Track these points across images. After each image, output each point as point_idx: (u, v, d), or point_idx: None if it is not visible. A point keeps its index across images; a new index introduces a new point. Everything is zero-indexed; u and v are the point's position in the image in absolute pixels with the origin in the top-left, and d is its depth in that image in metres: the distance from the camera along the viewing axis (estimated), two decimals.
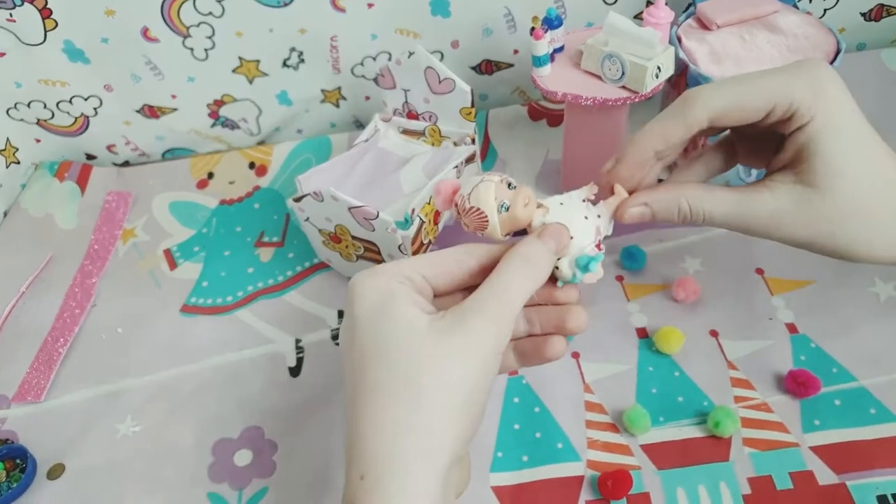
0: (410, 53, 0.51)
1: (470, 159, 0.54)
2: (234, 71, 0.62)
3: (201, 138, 0.68)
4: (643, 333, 0.47)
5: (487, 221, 0.33)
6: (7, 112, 0.64)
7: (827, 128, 0.31)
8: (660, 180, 0.37)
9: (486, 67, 0.64)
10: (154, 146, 0.69)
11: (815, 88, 0.31)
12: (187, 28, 0.58)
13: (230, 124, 0.67)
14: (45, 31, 0.57)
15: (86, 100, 0.63)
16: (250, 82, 0.63)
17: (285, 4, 0.57)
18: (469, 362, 0.29)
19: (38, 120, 0.65)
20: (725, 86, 0.32)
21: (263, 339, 0.52)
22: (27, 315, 0.56)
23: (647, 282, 0.49)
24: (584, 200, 0.37)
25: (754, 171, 0.51)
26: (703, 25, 0.51)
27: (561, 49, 0.50)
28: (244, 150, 0.67)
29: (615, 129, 0.49)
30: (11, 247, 0.62)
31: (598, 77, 0.48)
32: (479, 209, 0.33)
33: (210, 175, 0.65)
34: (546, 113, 0.63)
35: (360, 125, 0.68)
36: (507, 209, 0.33)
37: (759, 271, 0.49)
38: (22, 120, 0.65)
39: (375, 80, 0.54)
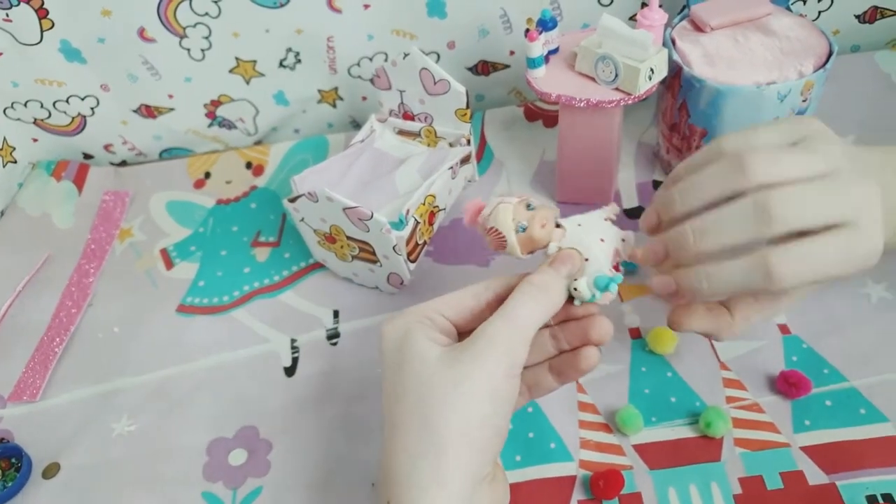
0: (406, 55, 0.51)
1: (465, 160, 0.54)
2: (230, 71, 0.62)
3: (198, 138, 0.68)
4: (636, 334, 0.47)
5: (506, 242, 0.35)
6: (4, 112, 0.64)
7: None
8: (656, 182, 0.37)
9: (483, 68, 0.64)
10: (151, 146, 0.69)
11: (862, 206, 0.32)
12: (184, 28, 0.58)
13: (227, 124, 0.67)
14: (42, 31, 0.58)
15: (83, 99, 0.63)
16: (247, 82, 0.63)
17: (281, 5, 0.57)
18: (478, 387, 0.30)
19: (35, 119, 0.65)
20: (803, 262, 0.32)
21: (259, 338, 0.52)
22: (24, 314, 0.56)
23: (641, 282, 0.50)
24: (605, 220, 0.37)
25: None
26: (697, 27, 0.51)
27: (556, 51, 0.51)
28: (241, 149, 0.67)
29: (609, 130, 0.50)
30: (8, 246, 0.62)
31: (592, 79, 0.48)
32: (497, 230, 0.35)
33: (207, 175, 0.66)
34: (542, 114, 0.64)
35: (357, 125, 0.69)
36: (525, 230, 0.34)
37: None
38: (19, 119, 0.65)
39: (372, 80, 0.55)
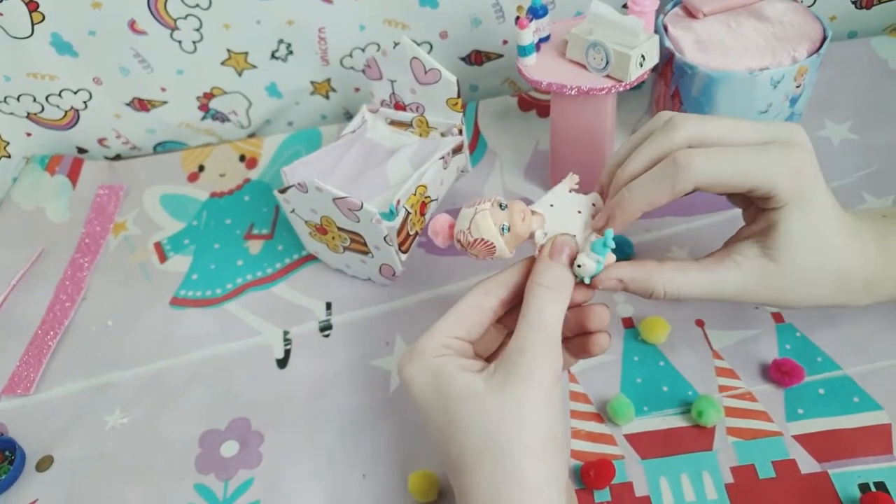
0: (396, 44, 0.50)
1: (457, 150, 0.54)
2: (222, 63, 0.62)
3: (192, 131, 0.68)
4: (629, 323, 0.47)
5: (495, 248, 0.34)
6: None
7: (797, 212, 0.34)
8: None
9: (476, 58, 0.64)
10: (145, 139, 0.69)
11: (796, 176, 0.34)
12: (175, 20, 0.58)
13: (220, 117, 0.67)
14: (33, 25, 0.57)
15: (75, 93, 0.63)
16: (239, 75, 0.63)
17: None
18: (536, 403, 0.31)
19: (28, 114, 0.65)
20: (716, 157, 0.33)
21: (251, 331, 0.52)
22: (18, 308, 0.56)
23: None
24: (570, 191, 0.38)
25: None
26: (690, 14, 0.50)
27: (547, 38, 0.50)
28: (235, 142, 0.67)
29: (601, 117, 0.49)
30: (2, 240, 0.62)
31: (584, 66, 0.48)
32: (483, 240, 0.34)
33: (201, 168, 0.65)
34: (536, 103, 0.63)
35: (350, 117, 0.68)
36: (509, 229, 0.34)
37: None
38: (12, 114, 0.65)
39: (363, 71, 0.54)
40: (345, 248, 0.50)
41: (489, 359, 0.37)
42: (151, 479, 0.44)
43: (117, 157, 0.70)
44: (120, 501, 0.44)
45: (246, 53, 0.62)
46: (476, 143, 0.62)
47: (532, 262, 0.36)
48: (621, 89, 0.46)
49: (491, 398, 0.31)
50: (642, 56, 0.45)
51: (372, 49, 0.62)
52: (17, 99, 0.63)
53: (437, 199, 0.53)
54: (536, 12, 0.48)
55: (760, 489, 0.38)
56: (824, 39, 0.47)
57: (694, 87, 0.48)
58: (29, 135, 0.67)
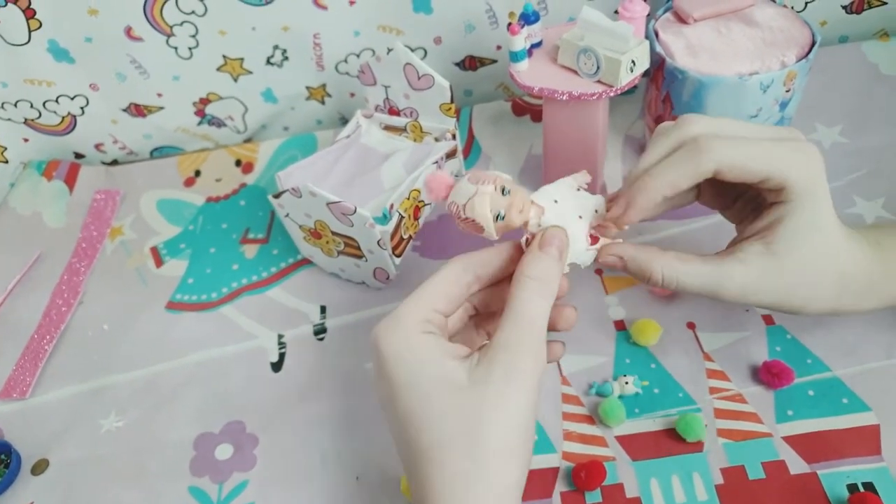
0: (389, 50, 0.51)
1: (451, 154, 0.54)
2: (218, 69, 0.63)
3: (188, 136, 0.68)
4: (621, 326, 0.47)
5: (483, 230, 0.34)
6: None
7: (804, 207, 0.34)
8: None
9: (470, 63, 0.64)
10: (142, 144, 0.69)
11: (810, 173, 0.34)
12: (171, 27, 0.58)
13: (216, 122, 0.67)
14: (30, 31, 0.58)
15: (72, 99, 0.64)
16: (235, 80, 0.64)
17: (267, 2, 0.58)
18: (519, 399, 0.31)
19: (26, 119, 0.65)
20: (736, 143, 0.34)
21: (246, 334, 0.52)
22: (14, 313, 0.57)
23: (625, 274, 0.49)
24: (578, 189, 0.38)
25: None
26: (680, 19, 0.51)
27: (539, 44, 0.51)
28: (231, 147, 0.67)
29: (593, 122, 0.50)
30: (0, 245, 0.62)
31: (575, 72, 0.48)
32: (474, 220, 0.34)
33: (197, 173, 0.66)
34: (529, 108, 0.64)
35: (345, 121, 0.69)
36: (503, 218, 0.34)
37: None
38: (9, 119, 0.65)
39: (358, 76, 0.55)
40: (339, 253, 0.51)
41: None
42: (146, 481, 0.45)
43: (114, 163, 0.70)
44: None
45: (241, 59, 0.62)
46: (470, 147, 0.62)
47: (516, 247, 0.35)
48: (612, 94, 0.47)
49: (473, 391, 0.30)
50: (632, 61, 0.46)
51: (367, 55, 0.62)
52: (15, 105, 0.64)
53: (430, 204, 0.53)
54: (528, 18, 0.48)
55: (750, 490, 0.38)
56: (813, 44, 0.47)
57: (685, 91, 0.48)
58: (26, 140, 0.67)
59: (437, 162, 0.52)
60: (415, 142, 0.55)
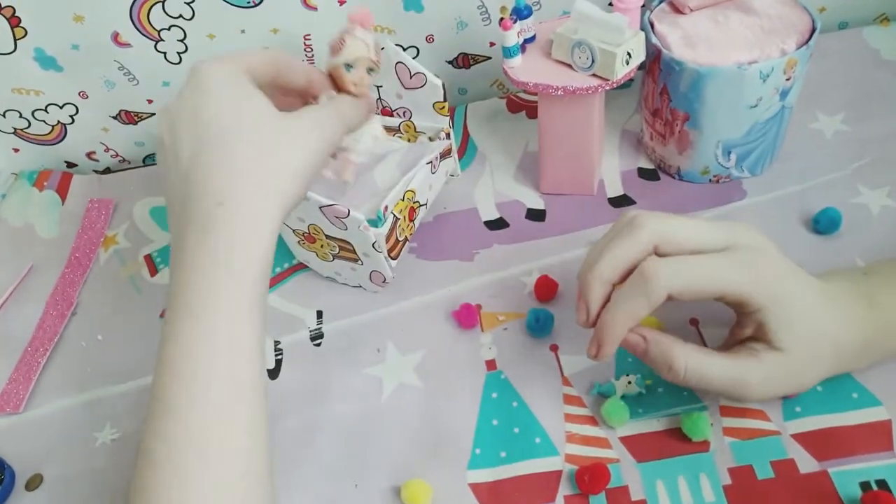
0: (381, 48, 0.50)
1: (446, 154, 0.53)
2: None
3: None
4: None
5: (341, 49, 0.40)
6: None
7: (775, 310, 0.35)
8: None
9: (463, 61, 0.63)
10: (134, 152, 0.68)
11: (762, 284, 0.35)
12: (158, 32, 0.58)
13: None
14: (15, 40, 0.57)
15: (61, 107, 0.63)
16: None
17: (256, 4, 0.57)
18: (310, 137, 0.36)
19: (15, 129, 0.65)
20: (682, 269, 0.35)
21: None
22: (7, 326, 0.56)
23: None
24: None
25: (733, 156, 0.51)
26: (676, 9, 0.50)
27: (532, 39, 0.50)
28: None
29: (589, 117, 0.49)
30: None
31: (570, 66, 0.47)
32: (343, 43, 0.39)
33: None
34: (525, 105, 0.63)
35: None
36: (349, 70, 0.40)
37: None
38: None
39: None
40: (334, 257, 0.50)
41: None
42: None
43: (107, 171, 0.69)
44: None
45: None
46: (466, 146, 0.61)
47: (321, 73, 0.41)
48: (608, 88, 0.46)
49: (281, 119, 0.36)
50: (628, 53, 0.45)
51: None
52: (3, 115, 0.63)
53: (426, 204, 0.52)
54: (521, 13, 0.47)
55: (759, 490, 0.37)
56: (813, 31, 0.46)
57: (682, 83, 0.47)
58: (16, 150, 0.66)
59: (431, 162, 0.51)
60: (409, 142, 0.54)
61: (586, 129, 0.49)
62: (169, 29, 0.58)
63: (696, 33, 0.48)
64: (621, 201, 0.53)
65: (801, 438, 0.39)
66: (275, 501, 0.34)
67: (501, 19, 0.46)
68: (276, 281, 0.54)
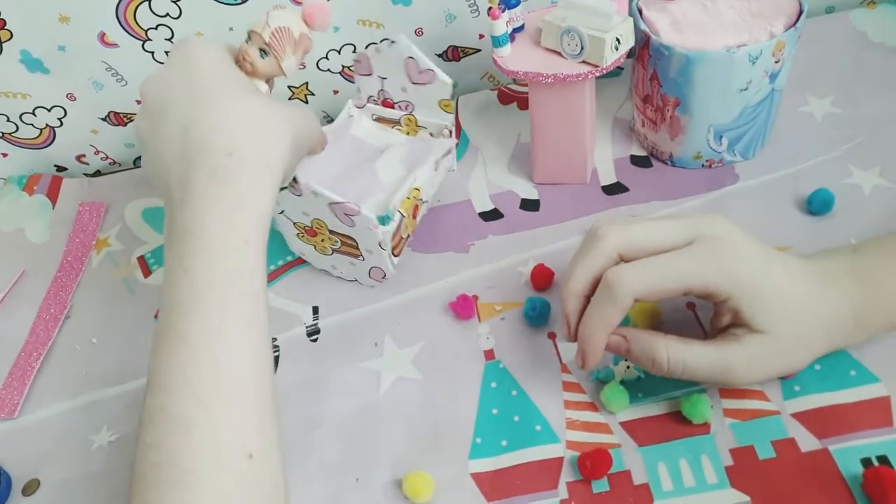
0: (391, 42, 0.49)
1: (448, 153, 0.53)
2: None
3: None
4: None
5: (258, 35, 0.41)
6: None
7: (746, 297, 0.35)
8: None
9: (453, 54, 0.63)
10: (124, 154, 0.68)
11: (725, 273, 0.35)
12: (145, 31, 0.57)
13: None
14: (1, 42, 0.57)
15: (49, 110, 0.62)
16: None
17: (243, 1, 0.56)
18: (296, 112, 0.39)
19: (3, 134, 0.64)
20: (644, 271, 0.36)
21: None
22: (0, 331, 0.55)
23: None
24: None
25: (725, 140, 0.51)
26: None
27: (521, 28, 0.50)
28: None
29: (580, 105, 0.49)
30: None
31: (559, 54, 0.47)
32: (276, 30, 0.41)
33: None
34: (516, 96, 0.63)
35: (330, 120, 0.68)
36: (263, 57, 0.41)
37: None
38: None
39: (353, 66, 0.53)
40: (334, 251, 0.50)
41: None
42: None
43: (97, 174, 0.69)
44: None
45: None
46: (458, 138, 0.61)
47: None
48: (598, 74, 0.46)
49: (263, 100, 0.37)
50: (617, 39, 0.45)
51: (347, 50, 0.61)
52: None
53: (427, 201, 0.52)
54: (509, 2, 0.47)
55: (761, 470, 0.37)
56: (801, 13, 0.46)
57: (671, 68, 0.47)
58: (5, 155, 0.66)
59: (436, 160, 0.50)
60: (408, 135, 0.54)
61: (578, 117, 0.49)
62: (156, 28, 0.57)
63: (684, 18, 0.48)
64: (615, 189, 0.53)
65: (801, 417, 0.39)
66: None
67: (490, 9, 0.46)
68: (270, 278, 0.54)
